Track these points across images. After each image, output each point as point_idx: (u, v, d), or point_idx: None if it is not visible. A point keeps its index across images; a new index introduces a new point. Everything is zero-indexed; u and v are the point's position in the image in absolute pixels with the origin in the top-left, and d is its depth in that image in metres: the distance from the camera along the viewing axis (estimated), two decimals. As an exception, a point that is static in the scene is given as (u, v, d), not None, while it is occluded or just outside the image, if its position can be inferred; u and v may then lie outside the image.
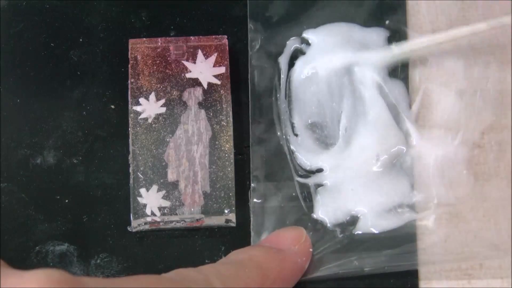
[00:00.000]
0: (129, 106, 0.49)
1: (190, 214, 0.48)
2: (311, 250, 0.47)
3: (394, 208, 0.48)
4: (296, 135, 0.50)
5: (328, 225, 0.48)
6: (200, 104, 0.49)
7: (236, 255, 0.45)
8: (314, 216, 0.49)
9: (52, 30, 0.52)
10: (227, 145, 0.49)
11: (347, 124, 0.50)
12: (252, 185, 0.49)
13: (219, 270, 0.42)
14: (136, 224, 0.48)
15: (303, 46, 0.51)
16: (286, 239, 0.46)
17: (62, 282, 0.35)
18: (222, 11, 0.52)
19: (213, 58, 0.50)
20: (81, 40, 0.52)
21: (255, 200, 0.49)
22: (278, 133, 0.50)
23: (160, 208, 0.48)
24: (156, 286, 0.39)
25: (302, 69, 0.50)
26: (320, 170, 0.49)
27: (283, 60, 0.51)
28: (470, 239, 0.48)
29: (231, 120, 0.49)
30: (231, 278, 0.42)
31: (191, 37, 0.50)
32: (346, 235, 0.48)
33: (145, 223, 0.48)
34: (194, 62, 0.50)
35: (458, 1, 0.52)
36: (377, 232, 0.48)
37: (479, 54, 0.51)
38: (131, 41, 0.50)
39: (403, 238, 0.48)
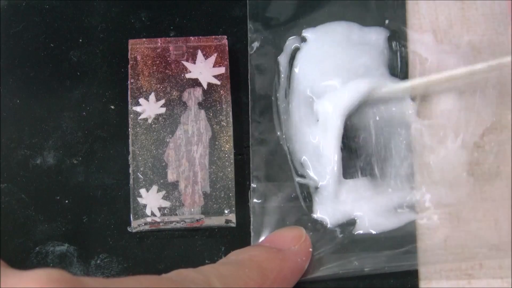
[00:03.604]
0: (129, 106, 0.49)
1: (190, 214, 0.48)
2: (311, 250, 0.47)
3: (394, 208, 0.48)
4: None
5: (328, 225, 0.48)
6: (200, 105, 0.49)
7: (236, 255, 0.45)
8: (314, 216, 0.49)
9: (52, 30, 0.52)
10: (227, 145, 0.49)
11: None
12: (252, 185, 0.49)
13: (219, 271, 0.42)
14: (136, 225, 0.48)
15: (302, 45, 0.51)
16: (286, 239, 0.46)
17: (62, 282, 0.35)
18: (222, 11, 0.52)
19: (212, 59, 0.50)
20: (81, 40, 0.52)
21: (255, 200, 0.49)
22: (278, 133, 0.50)
23: (160, 209, 0.48)
24: (156, 286, 0.39)
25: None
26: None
27: (282, 60, 0.51)
28: (470, 239, 0.48)
29: (231, 120, 0.49)
30: (231, 278, 0.42)
31: (190, 37, 0.50)
32: (346, 235, 0.48)
33: (145, 224, 0.48)
34: (194, 63, 0.50)
35: (458, 1, 0.52)
36: (377, 232, 0.48)
37: (479, 54, 0.51)
38: (130, 41, 0.50)
39: (403, 238, 0.48)
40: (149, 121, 0.49)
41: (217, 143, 0.49)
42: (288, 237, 0.46)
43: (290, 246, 0.46)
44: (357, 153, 0.49)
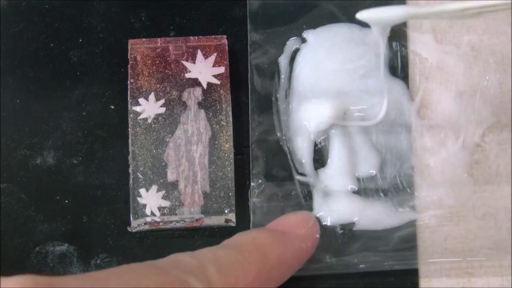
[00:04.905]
0: (129, 106, 0.49)
1: (190, 214, 0.48)
2: (318, 236, 0.46)
3: (395, 207, 0.48)
4: None
5: (328, 223, 0.48)
6: (199, 104, 0.49)
7: (239, 236, 0.44)
8: (314, 214, 0.49)
9: (52, 30, 0.52)
10: (227, 145, 0.49)
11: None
12: (252, 184, 0.49)
13: (216, 255, 0.41)
14: (136, 224, 0.48)
15: (303, 46, 0.51)
16: (292, 223, 0.45)
17: (32, 284, 0.36)
18: (222, 11, 0.52)
19: (212, 58, 0.50)
20: (80, 40, 0.52)
21: (255, 199, 0.49)
22: (278, 133, 0.50)
23: (160, 208, 0.48)
24: (138, 286, 0.38)
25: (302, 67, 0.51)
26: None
27: (283, 60, 0.51)
28: (470, 239, 0.48)
29: (231, 120, 0.49)
30: (228, 264, 0.41)
31: (190, 37, 0.50)
32: (346, 232, 0.48)
33: (145, 223, 0.48)
34: (194, 62, 0.50)
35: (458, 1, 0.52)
36: (377, 230, 0.48)
37: (479, 54, 0.51)
38: (130, 41, 0.50)
39: (403, 237, 0.48)
40: (149, 121, 0.49)
41: (216, 142, 0.49)
42: (294, 221, 0.45)
43: (295, 230, 0.45)
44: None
